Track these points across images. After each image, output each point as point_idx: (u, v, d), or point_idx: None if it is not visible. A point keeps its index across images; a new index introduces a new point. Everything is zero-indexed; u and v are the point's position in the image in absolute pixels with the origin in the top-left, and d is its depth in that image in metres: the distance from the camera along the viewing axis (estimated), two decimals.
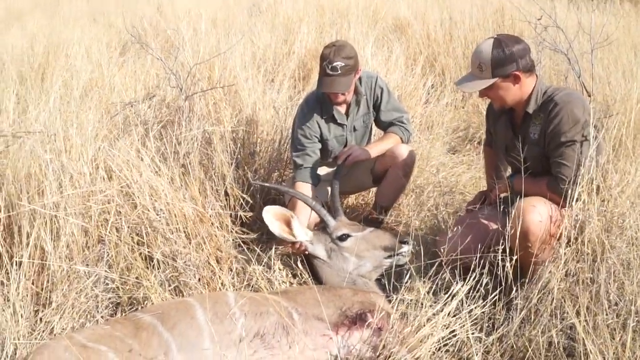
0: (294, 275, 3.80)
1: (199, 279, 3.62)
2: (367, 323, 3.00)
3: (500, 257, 3.15)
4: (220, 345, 2.80)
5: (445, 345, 3.00)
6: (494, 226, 3.61)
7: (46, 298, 3.35)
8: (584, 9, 8.99)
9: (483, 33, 8.44)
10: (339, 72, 4.02)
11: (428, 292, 3.21)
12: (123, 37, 10.01)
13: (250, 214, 4.38)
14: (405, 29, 9.65)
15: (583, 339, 2.72)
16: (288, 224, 3.67)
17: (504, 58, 3.34)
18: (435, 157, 5.67)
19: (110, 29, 11.66)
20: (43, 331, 3.23)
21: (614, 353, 2.70)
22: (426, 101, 7.02)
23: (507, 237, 3.19)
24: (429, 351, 2.89)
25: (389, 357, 2.83)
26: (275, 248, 3.89)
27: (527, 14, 5.69)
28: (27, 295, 3.28)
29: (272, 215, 3.63)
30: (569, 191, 3.15)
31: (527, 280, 3.18)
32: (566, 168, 3.26)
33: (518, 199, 3.33)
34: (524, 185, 3.40)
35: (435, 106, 7.00)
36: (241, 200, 4.41)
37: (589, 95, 4.53)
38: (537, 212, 3.23)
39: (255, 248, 3.93)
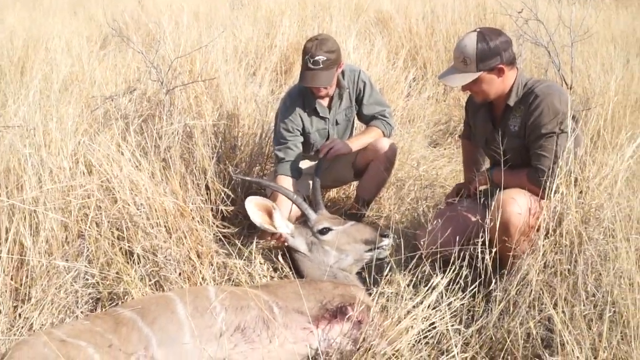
0: (275, 269, 3.81)
1: (180, 274, 3.61)
2: (347, 316, 3.01)
3: (479, 250, 3.17)
4: (200, 340, 2.80)
5: (425, 337, 3.02)
6: (474, 218, 3.63)
7: (25, 294, 3.33)
8: (565, 2, 9.06)
9: (465, 27, 8.48)
10: (321, 66, 4.02)
11: (408, 285, 3.23)
12: (104, 30, 9.97)
13: (232, 208, 4.38)
14: (387, 23, 9.66)
15: (560, 330, 2.75)
16: (270, 215, 3.68)
17: (489, 52, 3.35)
18: (417, 151, 5.70)
19: (90, 22, 11.61)
20: (22, 327, 3.21)
21: (590, 343, 2.73)
22: (407, 94, 7.04)
23: (486, 229, 3.21)
24: (409, 343, 2.91)
25: (369, 349, 2.84)
26: (256, 242, 3.90)
27: (508, 8, 5.74)
28: (5, 291, 3.26)
29: (254, 205, 3.65)
30: (547, 183, 3.17)
31: (506, 272, 3.20)
32: (546, 159, 3.29)
33: (498, 191, 3.35)
34: (504, 177, 3.42)
35: (417, 99, 7.03)
36: (222, 194, 4.40)
37: (569, 88, 4.57)
38: (517, 204, 3.25)
39: (236, 242, 3.93)
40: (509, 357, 2.93)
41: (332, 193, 5.15)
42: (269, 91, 6.49)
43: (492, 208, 3.29)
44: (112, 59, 7.04)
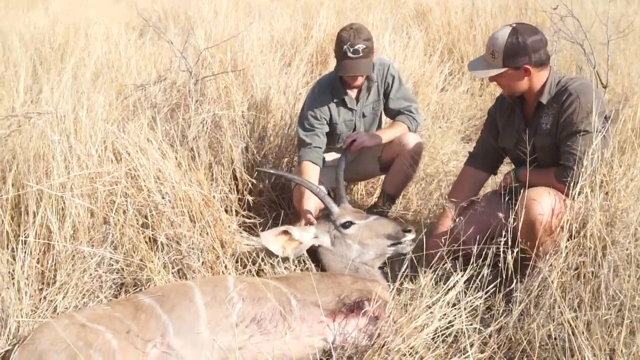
0: (298, 261, 3.81)
1: (203, 262, 3.65)
2: (363, 311, 3.01)
3: (502, 249, 3.14)
4: (216, 329, 2.83)
5: (442, 335, 3.00)
6: (497, 217, 3.59)
7: (51, 277, 3.40)
8: None
9: (504, 21, 8.33)
10: (361, 54, 4.03)
11: (428, 282, 3.22)
12: (147, 17, 10.06)
13: (258, 198, 4.41)
14: (426, 15, 9.57)
15: (582, 332, 2.71)
16: (287, 233, 3.66)
17: (517, 49, 3.32)
18: (448, 146, 5.63)
19: (132, 9, 11.71)
20: (46, 310, 3.28)
21: (610, 350, 2.68)
22: (442, 89, 6.97)
23: (509, 229, 3.17)
24: (424, 341, 2.89)
25: (383, 345, 2.84)
26: None
27: (548, 3, 5.62)
28: (31, 274, 3.33)
29: (270, 238, 3.62)
30: (571, 183, 3.12)
31: (527, 273, 3.16)
32: (577, 160, 3.23)
33: (523, 190, 3.31)
34: (532, 175, 3.38)
35: (452, 94, 6.96)
36: (249, 184, 4.43)
37: (604, 87, 4.47)
38: (542, 204, 3.21)
39: (260, 233, 3.94)
40: (526, 359, 2.90)
41: (360, 186, 5.14)
42: (303, 82, 6.48)
43: (517, 207, 3.25)
44: (150, 47, 7.14)
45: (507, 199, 3.61)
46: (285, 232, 3.65)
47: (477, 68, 3.52)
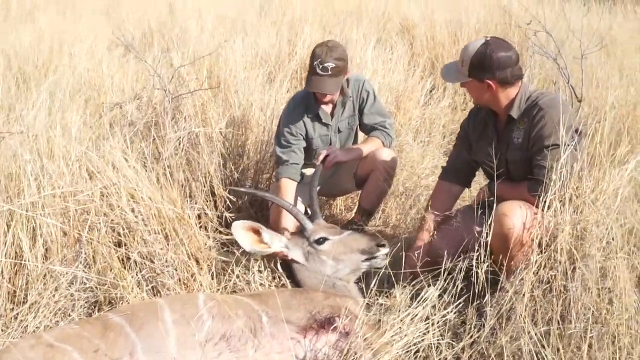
0: (273, 278, 3.81)
1: (179, 279, 3.65)
2: (333, 327, 3.00)
3: (474, 263, 3.14)
4: (184, 347, 2.82)
5: (415, 351, 3.00)
6: (472, 231, 3.59)
7: (22, 297, 3.39)
8: (595, 12, 8.92)
9: (488, 34, 8.37)
10: (329, 73, 4.05)
11: (403, 298, 3.23)
12: (130, 34, 10.07)
13: (237, 214, 4.40)
14: (410, 30, 9.62)
15: (553, 347, 2.72)
16: (258, 233, 3.66)
17: (483, 63, 3.36)
18: (428, 161, 5.64)
19: (121, 25, 11.71)
20: (16, 329, 3.26)
21: None
22: (425, 103, 6.98)
23: (482, 243, 3.17)
24: (394, 356, 2.89)
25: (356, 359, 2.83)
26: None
27: (535, 17, 5.62)
28: (2, 294, 3.33)
29: (241, 229, 3.61)
30: (540, 197, 3.13)
31: (499, 287, 3.17)
32: (548, 171, 3.24)
33: (496, 203, 3.32)
34: (504, 189, 3.39)
35: (434, 108, 6.98)
36: (227, 201, 4.43)
37: (579, 101, 4.49)
38: (514, 217, 3.22)
39: (235, 250, 3.94)
40: None
41: (339, 201, 5.14)
42: (286, 98, 6.48)
43: (490, 220, 3.26)
44: (133, 65, 7.15)
45: (480, 212, 3.62)
46: (257, 232, 3.65)
47: (447, 72, 3.60)
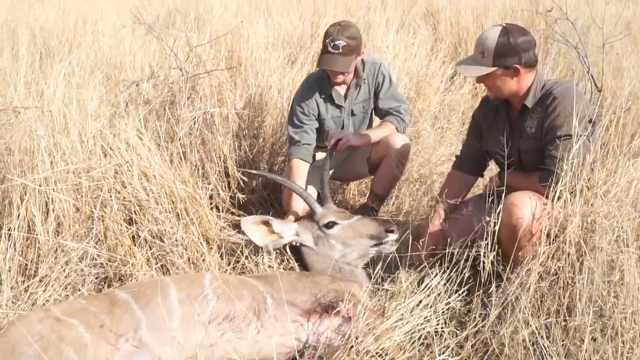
0: (282, 260, 3.83)
1: (189, 259, 3.68)
2: (336, 311, 3.02)
3: (482, 252, 3.13)
4: (188, 325, 2.85)
5: (418, 338, 3.00)
6: (479, 221, 3.58)
7: (34, 270, 3.45)
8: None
9: (513, 21, 8.26)
10: (340, 50, 4.03)
11: (408, 284, 3.23)
12: (155, 12, 10.11)
13: (250, 196, 4.43)
14: (435, 15, 9.53)
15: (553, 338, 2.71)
16: (268, 224, 3.69)
17: (508, 49, 3.30)
18: (445, 148, 5.61)
19: (147, 3, 11.74)
20: (26, 302, 3.32)
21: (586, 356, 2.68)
22: (445, 89, 6.93)
23: (489, 232, 3.16)
24: (397, 342, 2.90)
25: (353, 347, 2.84)
26: None
27: (557, 4, 5.53)
28: (13, 266, 3.38)
29: (250, 224, 3.65)
30: (551, 188, 3.11)
31: (505, 277, 3.15)
32: (561, 164, 3.20)
33: (506, 193, 3.29)
34: (515, 179, 3.37)
35: (455, 95, 6.92)
36: (241, 182, 4.44)
37: (599, 91, 4.43)
38: (523, 208, 3.18)
39: (241, 219, 3.95)
40: None
41: (352, 186, 5.14)
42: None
43: (499, 210, 3.24)
44: (156, 44, 7.16)
45: (491, 201, 3.59)
46: (267, 223, 3.67)
47: (468, 69, 3.49)
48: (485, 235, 3.16)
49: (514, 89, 3.43)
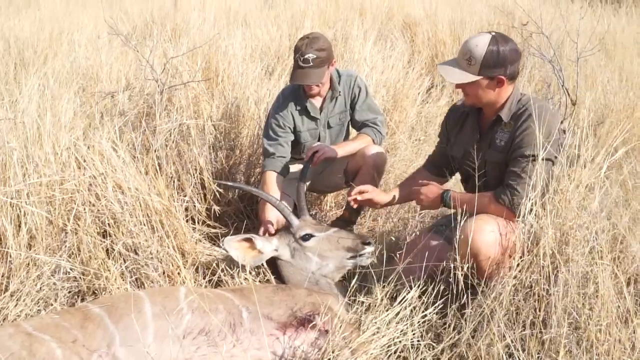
0: (258, 273, 3.81)
1: (164, 272, 3.64)
2: (312, 324, 3.00)
3: (452, 266, 3.13)
4: (163, 340, 2.82)
5: (395, 352, 2.99)
6: (443, 250, 3.56)
7: (5, 284, 3.39)
8: (598, 14, 8.86)
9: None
10: (311, 64, 4.04)
11: (383, 295, 3.23)
12: (131, 23, 10.06)
13: (226, 208, 4.40)
14: (413, 28, 9.58)
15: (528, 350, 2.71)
16: (250, 241, 3.67)
17: (496, 59, 3.24)
18: (423, 159, 5.59)
19: (123, 15, 11.68)
20: None
21: None
22: (422, 101, 6.95)
23: (449, 260, 3.16)
24: (373, 355, 2.89)
25: (333, 359, 2.83)
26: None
27: (533, 19, 5.58)
28: None
29: (234, 243, 3.63)
30: (520, 205, 3.10)
31: (479, 291, 3.14)
32: (522, 181, 3.18)
33: (463, 217, 3.25)
34: (462, 202, 3.37)
35: (432, 107, 6.95)
36: (217, 194, 4.42)
37: (573, 104, 4.48)
38: (487, 232, 3.15)
39: (221, 245, 3.94)
40: None
41: (329, 198, 5.13)
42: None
43: (459, 237, 3.20)
44: (133, 55, 7.11)
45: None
46: (249, 240, 3.66)
47: (451, 73, 3.39)
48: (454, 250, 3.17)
49: (493, 99, 3.39)
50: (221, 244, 3.68)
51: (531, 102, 3.32)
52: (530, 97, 3.42)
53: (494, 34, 3.30)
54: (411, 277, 3.30)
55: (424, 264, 3.32)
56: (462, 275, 3.09)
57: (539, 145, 3.08)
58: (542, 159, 3.10)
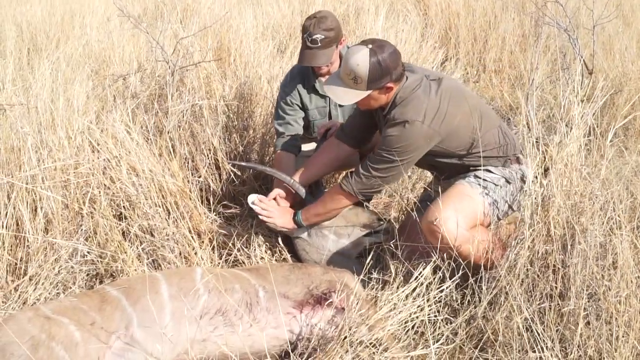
0: (274, 252, 3.82)
1: (179, 253, 3.66)
2: (329, 302, 3.00)
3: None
4: (180, 321, 2.83)
5: (412, 327, 2.99)
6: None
7: (23, 269, 3.43)
8: None
9: (502, 4, 8.25)
10: (319, 44, 3.99)
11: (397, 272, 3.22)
12: (141, 5, 10.03)
13: (241, 188, 4.40)
14: (425, 0, 9.46)
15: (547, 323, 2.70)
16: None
17: (381, 71, 3.22)
18: None
19: None
20: (16, 301, 3.30)
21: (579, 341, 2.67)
22: None
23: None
24: (390, 331, 2.89)
25: (346, 337, 2.83)
26: (255, 224, 3.91)
27: None
28: (2, 266, 3.36)
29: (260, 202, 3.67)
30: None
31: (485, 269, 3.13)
32: (367, 167, 3.39)
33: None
34: (314, 211, 3.61)
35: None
36: (231, 174, 4.42)
37: (590, 73, 4.41)
38: (447, 221, 3.19)
39: (236, 224, 3.95)
40: (498, 349, 2.88)
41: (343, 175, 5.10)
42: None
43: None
44: (145, 37, 7.10)
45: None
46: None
47: (337, 92, 3.38)
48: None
49: (384, 102, 3.41)
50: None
51: (402, 101, 3.33)
52: (404, 94, 3.35)
53: (370, 46, 3.24)
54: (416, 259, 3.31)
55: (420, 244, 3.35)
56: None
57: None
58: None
